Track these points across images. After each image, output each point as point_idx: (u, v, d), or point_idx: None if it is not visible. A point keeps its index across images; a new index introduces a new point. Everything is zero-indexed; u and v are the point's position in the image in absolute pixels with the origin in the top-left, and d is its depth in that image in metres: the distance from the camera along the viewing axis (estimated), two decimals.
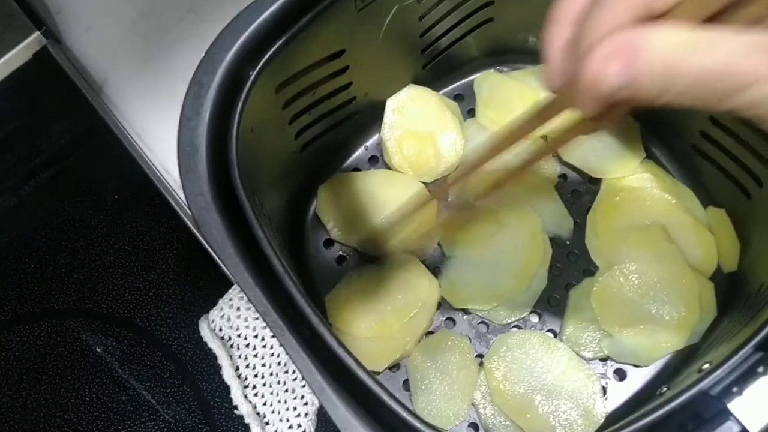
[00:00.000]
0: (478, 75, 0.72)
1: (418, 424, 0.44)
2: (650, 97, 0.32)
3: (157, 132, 0.74)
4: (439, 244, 0.66)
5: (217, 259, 0.66)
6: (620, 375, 0.62)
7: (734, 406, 0.42)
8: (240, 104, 0.51)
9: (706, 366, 0.47)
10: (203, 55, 0.52)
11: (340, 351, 0.46)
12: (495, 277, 0.64)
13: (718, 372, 0.44)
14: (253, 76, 0.52)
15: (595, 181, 0.68)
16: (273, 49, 0.53)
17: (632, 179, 0.67)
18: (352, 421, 0.44)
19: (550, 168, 0.69)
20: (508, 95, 0.70)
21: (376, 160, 0.70)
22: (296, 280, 0.48)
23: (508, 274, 0.64)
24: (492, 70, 0.72)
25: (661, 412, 0.44)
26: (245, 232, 0.49)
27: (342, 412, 0.44)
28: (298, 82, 0.57)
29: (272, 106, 0.56)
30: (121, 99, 0.77)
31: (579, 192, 0.68)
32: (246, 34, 0.52)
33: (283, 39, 0.53)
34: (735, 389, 0.42)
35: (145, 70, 0.77)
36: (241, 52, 0.52)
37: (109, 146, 0.75)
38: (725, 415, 0.42)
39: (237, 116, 0.51)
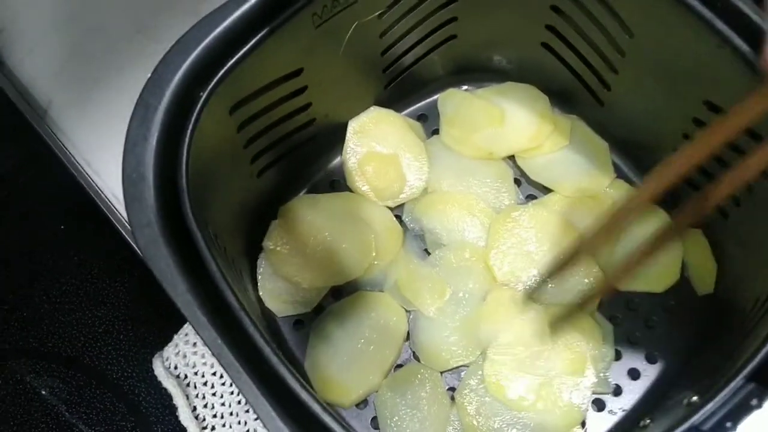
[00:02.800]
0: (441, 94, 0.69)
1: None
2: None
3: (106, 157, 0.71)
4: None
5: None
6: (599, 405, 0.59)
7: None
8: (190, 127, 0.48)
9: (695, 399, 0.44)
10: (149, 75, 0.48)
11: (303, 394, 0.42)
12: (466, 326, 0.61)
13: (710, 405, 0.41)
14: (203, 98, 0.48)
15: None
16: (225, 69, 0.49)
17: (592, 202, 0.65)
18: None
19: (512, 190, 0.66)
20: (473, 113, 0.67)
21: (338, 184, 0.67)
22: (253, 317, 0.44)
23: (479, 318, 0.61)
24: (456, 89, 0.69)
25: None
26: (197, 266, 0.45)
27: None
28: (253, 104, 0.54)
29: (226, 128, 0.53)
30: (66, 123, 0.73)
31: None
32: (195, 52, 0.48)
33: (235, 57, 0.49)
34: (729, 424, 0.40)
35: (91, 93, 0.73)
36: (191, 72, 0.48)
37: (54, 173, 0.71)
38: None
39: (187, 140, 0.47)
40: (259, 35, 0.50)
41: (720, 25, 0.49)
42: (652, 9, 0.53)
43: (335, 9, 0.53)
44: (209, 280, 0.45)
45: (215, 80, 0.49)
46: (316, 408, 0.42)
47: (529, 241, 0.63)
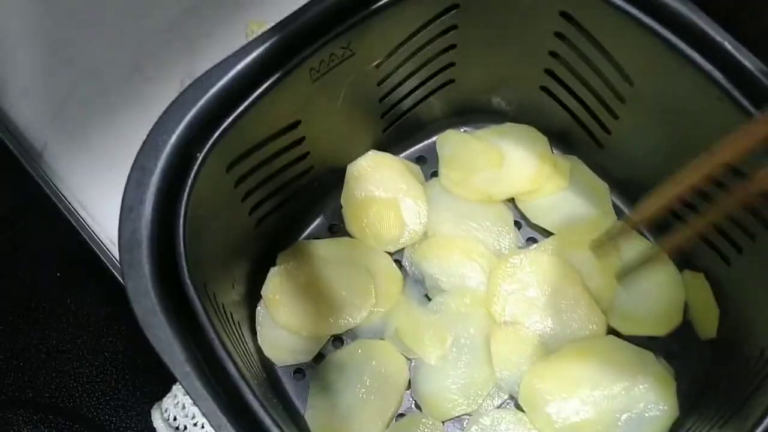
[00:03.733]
0: (440, 135, 0.68)
1: None
2: None
3: (102, 201, 0.70)
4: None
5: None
6: None
7: None
8: (187, 189, 0.47)
9: None
10: (145, 137, 0.47)
11: None
12: (468, 373, 0.60)
13: None
14: (201, 158, 0.48)
15: None
16: (222, 127, 0.49)
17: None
18: None
19: (513, 233, 0.65)
20: (472, 155, 0.67)
21: (337, 228, 0.67)
22: (254, 386, 0.43)
23: (481, 365, 0.60)
24: (455, 130, 0.69)
25: None
26: (196, 334, 0.44)
27: None
28: (251, 158, 0.53)
29: (223, 185, 0.52)
30: (62, 166, 0.72)
31: None
32: (191, 113, 0.47)
33: (232, 117, 0.49)
34: None
35: (87, 135, 0.73)
36: (188, 133, 0.47)
37: (49, 217, 0.70)
38: None
39: (184, 203, 0.47)
40: (256, 93, 0.50)
41: (719, 77, 0.49)
42: (651, 59, 0.52)
43: (332, 63, 0.53)
44: (208, 348, 0.44)
45: (212, 140, 0.48)
46: None
47: (531, 286, 0.62)
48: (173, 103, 0.48)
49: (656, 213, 0.47)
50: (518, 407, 0.60)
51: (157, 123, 0.48)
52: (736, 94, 0.49)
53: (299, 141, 0.57)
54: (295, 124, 0.55)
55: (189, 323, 0.44)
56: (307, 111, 0.55)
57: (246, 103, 0.49)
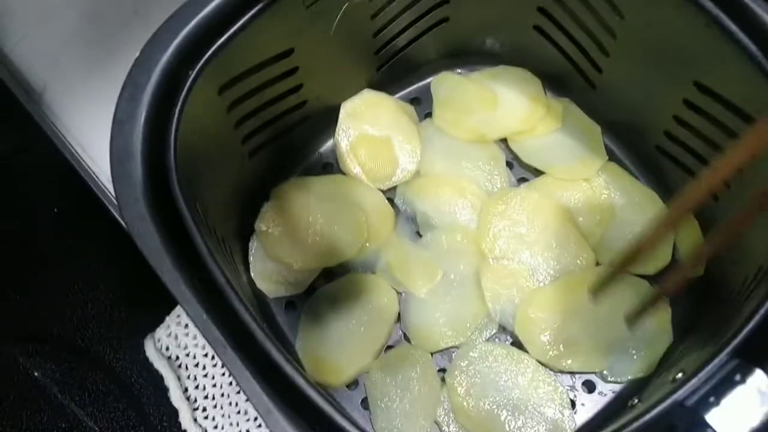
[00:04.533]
0: (434, 77, 0.69)
1: None
2: None
3: (100, 142, 0.70)
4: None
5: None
6: (589, 386, 0.59)
7: (712, 417, 0.39)
8: (178, 106, 0.48)
9: (680, 375, 0.44)
10: (137, 54, 0.48)
11: (288, 369, 0.42)
12: (457, 307, 0.61)
13: (693, 381, 0.41)
14: (192, 77, 0.49)
15: None
16: (214, 48, 0.49)
17: (585, 185, 0.65)
18: None
19: (502, 176, 0.66)
20: (466, 97, 0.67)
21: (331, 166, 0.67)
22: (240, 294, 0.44)
23: (470, 300, 0.61)
24: (449, 72, 0.69)
25: (633, 426, 0.42)
26: (185, 243, 0.45)
27: None
28: (244, 83, 0.54)
29: (215, 109, 0.53)
30: (61, 108, 0.73)
31: None
32: (184, 31, 0.48)
33: (224, 37, 0.50)
34: (712, 399, 0.40)
35: (87, 78, 0.73)
36: (179, 51, 0.48)
37: (48, 157, 0.71)
38: (702, 426, 0.39)
39: (175, 119, 0.47)
40: (249, 15, 0.50)
41: (708, 3, 0.49)
42: None
43: None
44: (196, 256, 0.45)
45: (204, 59, 0.49)
46: (301, 382, 0.42)
47: (521, 224, 0.63)
48: (167, 21, 0.49)
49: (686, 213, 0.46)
50: (509, 341, 0.60)
51: (150, 40, 0.48)
52: (725, 19, 0.49)
53: (293, 71, 0.58)
54: (288, 52, 0.56)
55: (178, 232, 0.45)
56: (300, 39, 0.56)
57: (238, 25, 0.50)
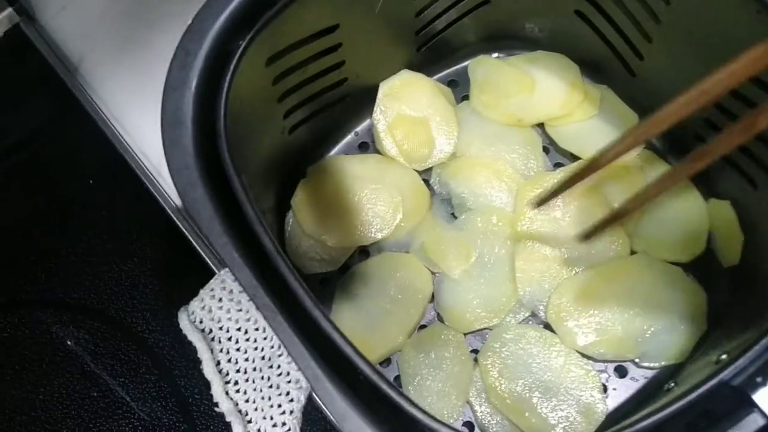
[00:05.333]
0: (472, 60, 0.69)
1: (423, 418, 0.41)
2: None
3: (136, 115, 0.71)
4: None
5: (197, 245, 0.63)
6: (621, 371, 0.59)
7: (759, 396, 0.39)
8: (229, 75, 0.48)
9: (724, 357, 0.44)
10: (190, 22, 0.48)
11: (336, 337, 0.42)
12: (491, 289, 0.61)
13: (740, 361, 0.41)
14: (243, 46, 0.49)
15: None
16: (264, 18, 0.50)
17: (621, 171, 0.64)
18: (349, 412, 0.41)
19: (539, 160, 0.66)
20: (504, 80, 0.67)
21: (367, 146, 0.68)
22: (288, 261, 0.44)
23: (504, 282, 0.61)
24: (487, 55, 0.69)
25: (677, 405, 0.42)
26: (234, 209, 0.45)
27: (338, 404, 0.41)
28: (290, 57, 0.54)
29: (262, 79, 0.53)
30: (97, 80, 0.73)
31: None
32: (236, 0, 0.48)
33: (275, 7, 0.50)
34: (759, 379, 0.40)
35: (124, 50, 0.74)
36: (231, 20, 0.48)
37: (84, 129, 0.71)
38: (749, 406, 0.39)
39: (225, 87, 0.48)
40: None
41: None
42: None
43: None
44: (245, 223, 0.45)
45: (255, 29, 0.49)
46: (349, 351, 0.42)
47: (556, 208, 0.63)
48: None
49: (673, 123, 0.46)
50: (541, 324, 0.61)
51: (202, 9, 0.49)
52: None
53: (336, 47, 0.58)
54: (333, 28, 0.56)
55: (227, 198, 0.45)
56: (346, 15, 0.56)
57: None
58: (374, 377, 0.42)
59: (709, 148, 0.44)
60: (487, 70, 0.68)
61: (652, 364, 0.58)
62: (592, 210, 0.62)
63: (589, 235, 0.54)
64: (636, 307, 0.59)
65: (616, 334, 0.58)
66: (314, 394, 0.42)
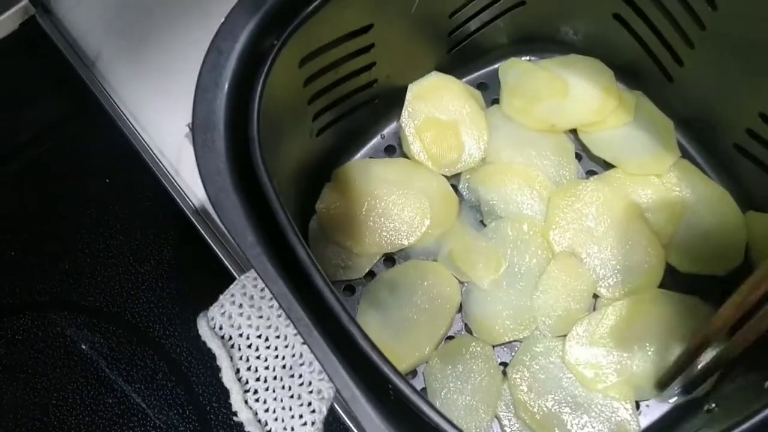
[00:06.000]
0: (503, 63, 0.67)
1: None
2: None
3: (154, 112, 0.69)
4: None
5: (216, 249, 0.61)
6: None
7: None
8: (263, 76, 0.46)
9: None
10: (222, 20, 0.46)
11: (373, 355, 0.40)
12: (521, 300, 0.59)
13: None
14: (278, 46, 0.47)
15: None
16: (300, 17, 0.48)
17: (656, 181, 0.63)
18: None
19: (571, 168, 0.64)
20: (536, 84, 0.66)
21: (393, 149, 0.66)
22: (323, 273, 0.42)
23: (533, 292, 0.60)
24: (517, 58, 0.67)
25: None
26: (267, 218, 0.43)
27: (376, 423, 0.39)
28: (322, 57, 0.53)
29: (294, 81, 0.51)
30: (115, 75, 0.71)
31: None
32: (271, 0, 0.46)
33: (311, 7, 0.48)
34: None
35: (142, 46, 0.72)
36: (266, 19, 0.46)
37: (100, 126, 0.69)
38: None
39: (259, 89, 0.46)
40: None
41: None
42: None
43: None
44: (279, 232, 0.43)
45: (289, 29, 0.47)
46: (387, 369, 0.40)
47: (590, 217, 0.61)
48: None
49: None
50: None
51: (235, 7, 0.47)
52: None
53: (368, 48, 0.56)
54: (367, 28, 0.54)
55: (260, 206, 0.43)
56: (380, 14, 0.54)
57: None
58: (414, 397, 0.40)
59: None
60: (519, 74, 0.66)
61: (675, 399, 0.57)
62: (626, 221, 0.60)
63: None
64: (654, 344, 0.57)
65: (636, 375, 0.57)
66: (347, 412, 0.40)
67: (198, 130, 0.44)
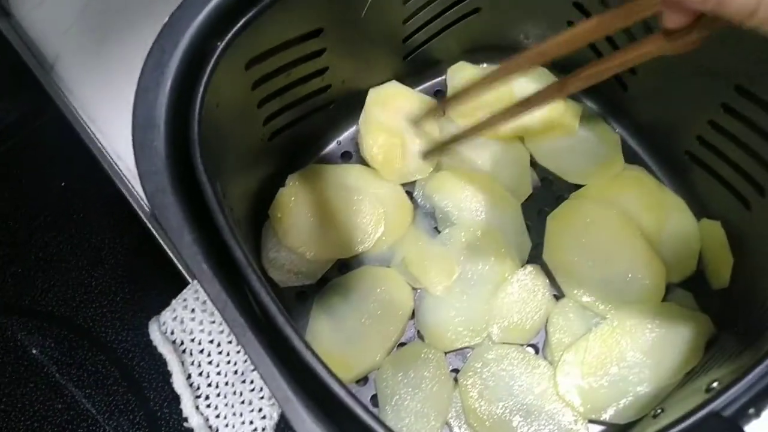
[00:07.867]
0: (451, 66, 0.67)
1: None
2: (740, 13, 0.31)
3: (111, 116, 0.68)
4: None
5: (171, 254, 0.61)
6: None
7: (751, 430, 0.37)
8: (205, 77, 0.46)
9: (715, 385, 0.42)
10: (166, 19, 0.46)
11: (308, 356, 0.40)
12: (474, 307, 0.59)
13: (732, 391, 0.39)
14: (220, 48, 0.47)
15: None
16: (244, 19, 0.47)
17: (611, 190, 0.63)
18: None
19: (525, 176, 0.64)
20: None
21: (350, 155, 0.65)
22: (261, 274, 0.42)
23: (487, 299, 0.59)
24: (466, 62, 0.67)
25: None
26: (205, 218, 0.43)
27: (308, 425, 0.39)
28: (270, 61, 0.52)
29: (240, 84, 0.51)
30: (73, 79, 0.71)
31: (563, 199, 0.64)
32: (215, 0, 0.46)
33: (255, 9, 0.48)
34: (751, 410, 0.38)
35: (100, 50, 0.71)
36: (209, 20, 0.46)
37: (57, 129, 0.68)
38: None
39: (201, 90, 0.46)
40: None
41: None
42: None
43: None
44: (216, 233, 0.43)
45: (234, 31, 0.47)
46: (321, 371, 0.40)
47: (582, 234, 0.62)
48: None
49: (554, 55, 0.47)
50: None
51: (179, 7, 0.46)
52: None
53: (320, 52, 0.56)
54: (316, 32, 0.54)
55: (199, 206, 0.43)
56: (330, 19, 0.54)
57: None
58: (348, 400, 0.39)
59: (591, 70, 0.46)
60: (465, 78, 0.66)
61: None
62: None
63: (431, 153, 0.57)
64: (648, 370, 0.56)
65: (621, 401, 0.56)
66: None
67: (137, 129, 0.44)
